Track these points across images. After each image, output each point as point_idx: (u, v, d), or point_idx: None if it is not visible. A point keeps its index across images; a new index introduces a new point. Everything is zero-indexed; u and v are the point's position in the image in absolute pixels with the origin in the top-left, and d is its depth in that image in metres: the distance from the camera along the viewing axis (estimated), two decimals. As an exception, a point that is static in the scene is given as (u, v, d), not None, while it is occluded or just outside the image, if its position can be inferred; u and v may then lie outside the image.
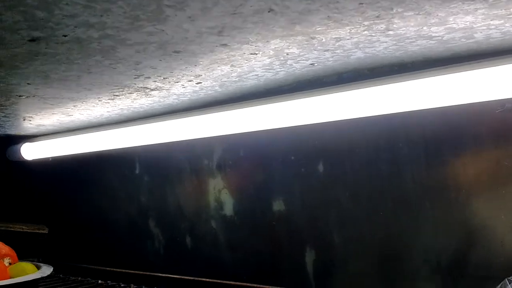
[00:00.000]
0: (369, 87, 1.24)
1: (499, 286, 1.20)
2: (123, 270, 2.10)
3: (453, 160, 1.41)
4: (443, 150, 1.41)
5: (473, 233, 1.41)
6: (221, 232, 1.89)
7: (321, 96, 1.33)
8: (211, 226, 1.92)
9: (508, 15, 0.86)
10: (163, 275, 1.98)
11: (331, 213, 1.63)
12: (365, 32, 0.95)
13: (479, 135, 1.34)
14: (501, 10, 0.83)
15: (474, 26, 0.92)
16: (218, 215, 1.90)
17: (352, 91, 1.28)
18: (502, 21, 0.89)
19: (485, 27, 0.93)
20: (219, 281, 1.80)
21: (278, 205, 1.74)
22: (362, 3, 0.78)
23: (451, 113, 1.27)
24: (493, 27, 0.93)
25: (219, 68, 1.17)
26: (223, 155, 1.87)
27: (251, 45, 1.00)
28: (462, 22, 0.90)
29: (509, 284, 1.20)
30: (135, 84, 1.28)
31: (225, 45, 0.99)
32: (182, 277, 1.92)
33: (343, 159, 1.60)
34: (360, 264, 1.59)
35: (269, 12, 0.81)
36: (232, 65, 1.16)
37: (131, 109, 1.61)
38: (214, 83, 1.33)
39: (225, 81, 1.31)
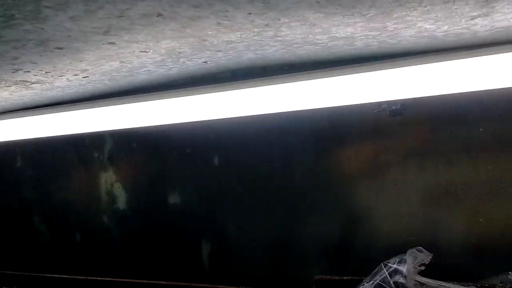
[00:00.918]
0: (261, 86, 1.27)
1: (375, 270, 1.33)
2: (5, 272, 1.95)
3: (338, 154, 1.51)
4: (330, 145, 1.50)
5: (355, 220, 1.54)
6: (113, 226, 1.84)
7: (214, 93, 1.33)
8: (103, 221, 1.85)
9: (384, 28, 0.93)
10: (51, 275, 1.87)
11: (226, 205, 1.66)
12: (256, 37, 0.97)
13: (360, 132, 1.45)
14: (377, 24, 0.90)
15: (355, 35, 0.99)
16: (110, 209, 1.83)
17: (245, 89, 1.30)
18: (379, 33, 0.97)
19: (364, 37, 1.00)
20: (111, 279, 1.75)
21: (173, 198, 1.73)
22: (250, 13, 0.80)
23: (336, 112, 1.35)
24: (371, 37, 1.00)
25: (107, 63, 1.12)
26: (114, 148, 1.80)
27: (140, 44, 0.97)
28: (344, 32, 0.95)
29: (384, 268, 1.33)
30: (13, 77, 1.17)
31: (112, 43, 0.95)
32: (73, 276, 1.83)
33: (238, 153, 1.63)
34: (254, 253, 1.65)
35: (157, 16, 0.79)
36: (121, 61, 1.11)
37: (10, 101, 1.48)
38: (103, 77, 1.27)
39: (115, 75, 1.25)
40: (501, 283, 1.32)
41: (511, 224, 1.36)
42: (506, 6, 0.82)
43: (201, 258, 1.70)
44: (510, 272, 1.32)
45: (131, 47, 0.99)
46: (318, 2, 0.75)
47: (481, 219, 1.37)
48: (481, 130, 1.33)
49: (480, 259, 1.40)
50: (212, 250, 1.69)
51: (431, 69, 1.08)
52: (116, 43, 0.95)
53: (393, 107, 1.26)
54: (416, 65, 1.06)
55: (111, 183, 1.82)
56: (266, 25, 0.87)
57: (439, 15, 0.86)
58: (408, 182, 1.45)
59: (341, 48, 1.09)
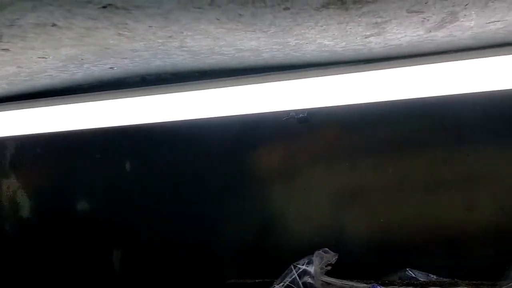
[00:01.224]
0: (171, 92, 1.26)
1: (285, 272, 1.38)
2: None
3: (250, 159, 1.54)
4: (242, 151, 1.53)
5: (268, 223, 1.58)
6: (16, 236, 1.73)
7: (123, 98, 1.30)
8: (5, 230, 1.74)
9: (286, 42, 0.97)
10: None
11: (138, 211, 1.63)
12: (161, 47, 0.96)
13: (271, 138, 1.49)
14: (279, 39, 0.93)
15: (260, 48, 1.01)
16: (12, 217, 1.72)
17: (155, 95, 1.28)
18: (282, 47, 1.00)
19: (269, 50, 1.03)
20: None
21: (82, 205, 1.66)
22: (151, 26, 0.79)
23: (248, 118, 1.37)
24: (275, 50, 1.03)
25: (3, 68, 1.05)
26: (17, 153, 1.70)
27: (38, 50, 0.92)
28: (249, 45, 0.97)
29: (294, 269, 1.38)
30: None
31: (6, 49, 0.89)
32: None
33: (150, 158, 1.60)
34: (167, 258, 1.63)
35: (52, 26, 0.75)
36: (18, 66, 1.05)
37: None
38: (0, 81, 1.19)
39: (13, 79, 1.18)
40: (399, 279, 1.43)
41: (409, 224, 1.47)
42: (395, 27, 0.89)
43: (112, 266, 1.65)
44: (408, 269, 1.42)
45: (28, 54, 0.94)
46: (218, 19, 0.76)
47: (382, 220, 1.47)
48: (381, 135, 1.42)
49: (381, 257, 1.50)
50: (124, 257, 1.65)
51: (332, 80, 1.13)
52: (10, 49, 0.90)
53: (301, 115, 1.31)
54: (319, 76, 1.11)
55: (13, 190, 1.71)
56: (170, 36, 0.87)
57: (336, 33, 0.90)
58: (316, 185, 1.52)
59: (249, 58, 1.12)
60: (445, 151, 1.40)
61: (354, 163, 1.48)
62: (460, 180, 1.41)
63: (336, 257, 1.39)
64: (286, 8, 0.73)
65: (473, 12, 0.81)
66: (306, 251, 1.47)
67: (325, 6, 0.72)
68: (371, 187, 1.48)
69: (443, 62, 1.06)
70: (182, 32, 0.84)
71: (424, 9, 0.77)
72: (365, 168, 1.47)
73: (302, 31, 0.87)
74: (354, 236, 1.51)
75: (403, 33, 0.92)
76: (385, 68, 1.08)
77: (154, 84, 1.32)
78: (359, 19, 0.81)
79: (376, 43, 1.00)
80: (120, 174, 1.62)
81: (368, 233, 1.50)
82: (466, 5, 0.77)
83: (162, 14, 0.74)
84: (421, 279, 1.38)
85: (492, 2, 0.76)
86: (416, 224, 1.46)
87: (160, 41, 0.90)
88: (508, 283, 1.24)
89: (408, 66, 1.08)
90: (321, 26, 0.84)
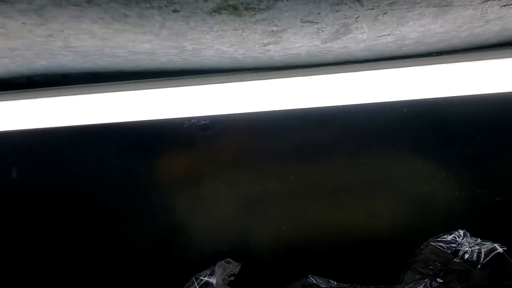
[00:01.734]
0: (60, 95, 1.16)
1: (187, 284, 1.33)
2: None
3: (153, 166, 1.47)
4: (142, 158, 1.45)
5: (171, 233, 1.52)
6: None
7: (7, 101, 1.18)
8: None
9: (183, 47, 0.92)
10: None
11: (25, 222, 1.49)
12: (43, 46, 0.87)
13: (174, 145, 1.43)
14: (174, 43, 0.88)
15: (156, 52, 0.96)
16: None
17: (43, 98, 1.18)
18: (179, 51, 0.95)
19: (165, 53, 0.97)
20: None
21: (-40, 219, 1.48)
22: (25, 23, 0.71)
23: (148, 125, 1.31)
24: (172, 54, 0.98)
25: None
26: None
27: None
28: (142, 48, 0.91)
29: (196, 281, 1.33)
30: None
31: None
32: None
33: (41, 166, 1.47)
34: (60, 270, 1.51)
35: None
36: None
37: None
38: None
39: None
40: (301, 286, 1.43)
41: (313, 231, 1.49)
42: (291, 37, 0.88)
43: (-5, 286, 1.49)
44: (310, 276, 1.44)
45: None
46: (101, 19, 0.70)
47: (284, 227, 1.47)
48: (285, 142, 1.42)
49: (286, 265, 1.50)
50: (8, 275, 1.49)
51: (233, 87, 1.11)
52: None
53: (203, 122, 1.27)
54: (219, 83, 1.08)
55: None
56: (50, 35, 0.79)
57: (233, 40, 0.87)
58: (221, 193, 1.48)
59: (145, 62, 1.05)
60: (347, 158, 1.44)
61: (259, 170, 1.46)
62: (360, 187, 1.45)
63: (239, 267, 1.37)
64: (176, 11, 0.69)
65: (364, 25, 0.82)
66: (211, 261, 1.43)
67: (217, 11, 0.69)
68: (275, 194, 1.47)
69: (339, 72, 1.08)
70: (63, 31, 0.76)
71: (317, 19, 0.77)
72: (269, 175, 1.47)
73: (197, 35, 0.83)
74: (258, 244, 1.50)
75: (300, 42, 0.92)
76: (285, 77, 1.08)
77: (44, 86, 1.21)
78: (255, 27, 0.79)
79: (275, 52, 0.99)
80: (5, 183, 1.47)
81: (272, 241, 1.49)
82: (357, 17, 0.78)
83: (35, 10, 0.66)
84: (322, 286, 1.40)
85: (382, 16, 0.78)
86: (319, 230, 1.48)
87: (39, 39, 0.81)
88: (403, 287, 1.29)
89: (307, 75, 1.08)
90: (217, 31, 0.81)
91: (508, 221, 1.38)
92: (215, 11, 0.69)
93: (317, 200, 1.47)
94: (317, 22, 0.78)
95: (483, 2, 0.76)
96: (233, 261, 1.35)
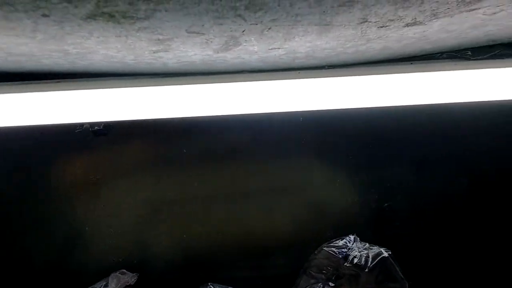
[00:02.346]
0: None
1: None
2: None
3: (45, 174, 1.38)
4: (41, 164, 1.36)
5: (66, 243, 1.44)
6: None
7: None
8: None
9: (66, 50, 0.87)
10: None
11: None
12: None
13: (68, 151, 1.35)
14: (54, 46, 0.83)
15: (36, 54, 0.89)
16: None
17: None
18: (62, 54, 0.90)
19: (48, 56, 0.91)
20: None
21: None
22: None
23: (38, 130, 1.22)
24: (56, 57, 0.92)
25: None
26: None
27: None
28: (19, 50, 0.85)
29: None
30: None
31: None
32: None
33: None
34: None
35: None
36: None
37: None
38: None
39: None
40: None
41: (213, 237, 1.48)
42: (180, 46, 0.86)
43: None
44: (209, 283, 1.43)
45: None
46: (-40, 18, 0.64)
47: (185, 235, 1.45)
48: (186, 148, 1.40)
49: (186, 273, 1.48)
50: None
51: (127, 93, 1.07)
52: None
53: (96, 128, 1.21)
54: (109, 87, 1.04)
55: None
56: None
57: (119, 46, 0.84)
58: (119, 201, 1.43)
59: (27, 63, 0.98)
60: (248, 165, 1.45)
61: (158, 177, 1.43)
62: (260, 193, 1.47)
63: (136, 278, 1.33)
64: (45, 15, 0.64)
65: (252, 38, 0.83)
66: (107, 273, 1.38)
67: (92, 17, 0.66)
68: (175, 201, 1.45)
69: (235, 81, 1.08)
70: None
71: (203, 31, 0.76)
72: (169, 182, 1.44)
73: (78, 40, 0.78)
74: (158, 252, 1.46)
75: (191, 51, 0.91)
76: (180, 84, 1.06)
77: None
78: (138, 34, 0.76)
79: (168, 59, 0.97)
80: None
81: (172, 249, 1.46)
82: (243, 31, 0.78)
83: None
84: (221, 293, 1.40)
85: (267, 31, 0.79)
86: (220, 237, 1.47)
87: None
88: (297, 291, 1.33)
89: (203, 83, 1.07)
90: (98, 37, 0.77)
91: (395, 225, 1.47)
92: (89, 17, 0.65)
93: (218, 207, 1.47)
94: (203, 34, 0.78)
95: (361, 23, 0.79)
96: (128, 272, 1.31)
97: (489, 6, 0.79)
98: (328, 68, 1.15)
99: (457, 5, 0.76)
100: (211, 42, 0.84)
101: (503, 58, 1.16)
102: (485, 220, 1.47)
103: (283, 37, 0.84)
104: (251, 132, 1.43)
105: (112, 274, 1.28)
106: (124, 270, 1.30)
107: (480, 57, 1.17)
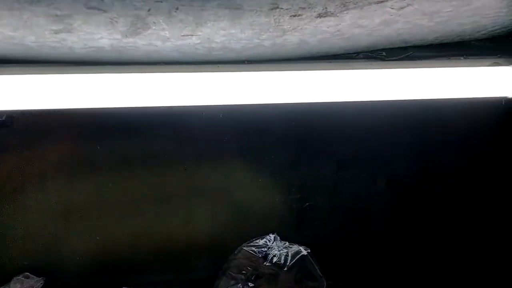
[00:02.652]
0: None
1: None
2: None
3: None
4: None
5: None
6: None
7: None
8: None
9: None
10: None
11: None
12: None
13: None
14: None
15: None
16: None
17: None
18: None
19: None
20: None
21: None
22: None
23: None
24: None
25: None
26: None
27: None
28: None
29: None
30: None
31: None
32: None
33: None
34: None
35: None
36: None
37: None
38: None
39: None
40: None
41: (132, 241, 1.40)
42: (83, 25, 0.81)
43: None
44: (124, 287, 1.35)
45: None
46: None
47: (98, 237, 1.37)
48: (102, 150, 1.33)
49: (100, 277, 1.40)
50: None
51: (28, 81, 0.99)
52: None
53: (-2, 118, 1.11)
54: (9, 74, 0.95)
55: None
56: None
57: (14, 23, 0.77)
58: (27, 203, 1.33)
59: None
60: (166, 166, 1.39)
61: (72, 177, 1.34)
62: (180, 195, 1.41)
63: (42, 282, 1.23)
64: None
65: (161, 20, 0.79)
66: (11, 277, 1.27)
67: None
68: (89, 203, 1.36)
69: (151, 72, 1.04)
70: None
71: (103, 7, 0.72)
72: (81, 184, 1.35)
73: (-38, 11, 0.71)
74: (69, 256, 1.37)
75: (97, 33, 0.85)
76: (85, 72, 1.00)
77: None
78: (32, 8, 0.70)
79: (73, 42, 0.91)
80: None
81: (85, 252, 1.37)
82: (149, 10, 0.74)
83: None
84: (136, 297, 1.33)
85: (175, 12, 0.76)
86: (137, 240, 1.40)
87: None
88: (216, 293, 1.29)
89: (113, 72, 1.02)
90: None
91: (315, 225, 1.47)
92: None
93: (136, 210, 1.40)
94: (104, 10, 0.73)
95: (272, 9, 0.78)
96: (33, 276, 1.21)
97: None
98: (248, 63, 1.14)
99: (365, -5, 0.77)
100: (116, 22, 0.79)
101: (415, 60, 1.21)
102: (402, 219, 1.51)
103: (193, 21, 0.81)
104: (171, 131, 1.38)
105: (15, 278, 1.18)
106: (28, 274, 1.20)
107: (394, 58, 1.21)
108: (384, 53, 1.21)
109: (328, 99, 1.18)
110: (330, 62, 1.19)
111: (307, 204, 1.46)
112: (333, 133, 1.45)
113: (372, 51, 1.19)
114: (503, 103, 1.27)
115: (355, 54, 1.20)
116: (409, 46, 1.20)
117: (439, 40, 1.18)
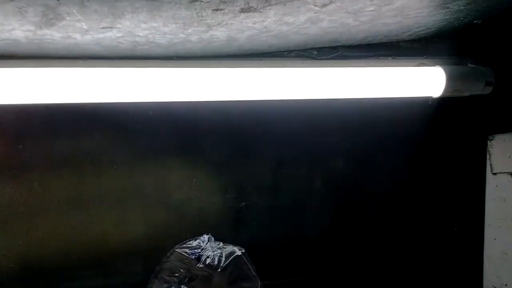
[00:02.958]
0: None
1: None
2: None
3: None
4: None
5: None
6: None
7: None
8: None
9: None
10: None
11: None
12: None
13: None
14: None
15: None
16: None
17: None
18: None
19: None
20: None
21: None
22: None
23: None
24: None
25: None
26: None
27: None
28: None
29: None
30: None
31: None
32: None
33: None
34: None
35: None
36: None
37: None
38: None
39: None
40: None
41: (60, 245, 1.33)
42: (-11, 14, 0.76)
43: None
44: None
45: None
46: None
47: (20, 242, 1.29)
48: (21, 146, 1.26)
49: (26, 284, 1.32)
50: None
51: None
52: None
53: None
54: None
55: None
56: None
57: None
58: None
59: None
60: (97, 166, 1.34)
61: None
62: (111, 196, 1.36)
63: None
64: None
65: (74, 11, 0.76)
66: None
67: None
68: (10, 205, 1.28)
69: (69, 67, 0.99)
70: None
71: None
72: (7, 183, 1.27)
73: None
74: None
75: (7, 24, 0.80)
76: (2, 66, 0.94)
77: None
78: None
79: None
80: None
81: (7, 257, 1.29)
82: (58, 0, 0.70)
83: None
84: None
85: (88, 1, 0.72)
86: (64, 244, 1.33)
87: None
88: (148, 297, 1.25)
89: (30, 67, 0.96)
90: None
91: (252, 224, 1.46)
92: None
93: (63, 213, 1.33)
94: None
95: (192, 1, 0.76)
96: None
97: (317, -5, 0.81)
98: (177, 59, 1.11)
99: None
100: (26, 12, 0.75)
101: (344, 59, 1.23)
102: (339, 218, 1.53)
103: (109, 11, 0.77)
104: (100, 129, 1.32)
105: None
106: None
107: (325, 57, 1.22)
108: (315, 52, 1.22)
109: (260, 97, 1.17)
110: (261, 59, 1.18)
111: (243, 203, 1.44)
112: (270, 132, 1.45)
113: (304, 50, 1.20)
114: (429, 102, 1.31)
115: (287, 53, 1.21)
116: (339, 46, 1.22)
117: (367, 40, 1.20)
